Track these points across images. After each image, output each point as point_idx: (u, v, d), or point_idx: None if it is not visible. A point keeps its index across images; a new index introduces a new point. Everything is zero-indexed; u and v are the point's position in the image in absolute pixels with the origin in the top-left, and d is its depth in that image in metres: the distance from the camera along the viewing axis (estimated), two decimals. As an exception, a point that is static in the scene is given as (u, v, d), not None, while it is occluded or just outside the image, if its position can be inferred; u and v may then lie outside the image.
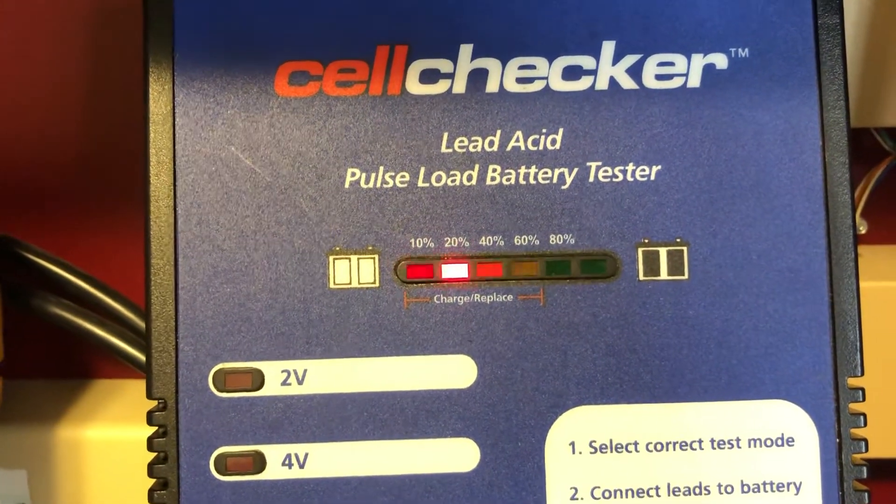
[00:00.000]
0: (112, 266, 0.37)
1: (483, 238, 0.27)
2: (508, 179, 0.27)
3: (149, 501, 0.26)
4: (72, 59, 0.37)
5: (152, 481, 0.26)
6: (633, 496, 0.26)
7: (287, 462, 0.26)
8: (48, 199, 0.38)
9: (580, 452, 0.26)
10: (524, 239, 0.27)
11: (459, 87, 0.27)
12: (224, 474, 0.26)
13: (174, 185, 0.27)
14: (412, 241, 0.27)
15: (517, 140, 0.27)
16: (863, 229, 0.36)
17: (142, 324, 0.35)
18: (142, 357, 0.34)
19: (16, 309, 0.35)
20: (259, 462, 0.26)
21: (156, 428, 0.26)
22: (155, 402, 0.26)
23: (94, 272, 0.36)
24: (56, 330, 0.36)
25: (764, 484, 0.27)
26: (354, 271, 0.27)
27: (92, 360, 0.39)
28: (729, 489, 0.26)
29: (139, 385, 0.38)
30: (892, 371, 0.35)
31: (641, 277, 0.27)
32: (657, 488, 0.26)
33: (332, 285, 0.27)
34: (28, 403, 0.37)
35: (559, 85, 0.27)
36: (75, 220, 0.38)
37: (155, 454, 0.26)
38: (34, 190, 0.38)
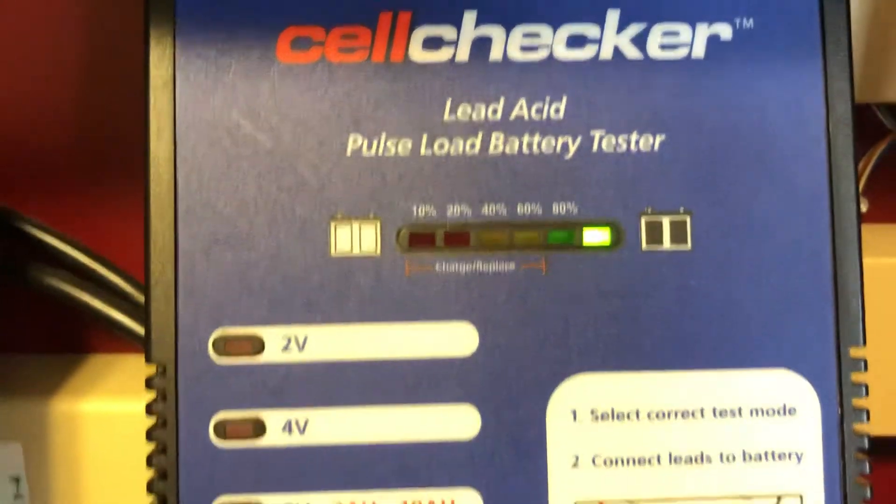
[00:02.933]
0: (110, 240, 0.37)
1: (485, 206, 0.27)
2: (511, 148, 0.27)
3: (147, 466, 0.26)
4: (70, 28, 0.37)
5: (147, 454, 0.26)
6: (634, 464, 0.26)
7: (287, 428, 0.26)
8: (46, 172, 0.37)
9: (581, 420, 0.26)
10: (527, 207, 0.27)
11: (463, 54, 0.27)
12: (223, 439, 0.26)
13: (174, 151, 0.26)
14: (414, 208, 0.27)
15: (521, 108, 0.27)
16: (864, 207, 0.36)
17: (139, 296, 0.35)
18: (139, 328, 0.34)
19: (12, 281, 0.35)
20: (259, 427, 0.26)
21: (155, 393, 0.26)
22: (154, 368, 0.26)
23: (92, 245, 0.36)
24: (52, 305, 0.36)
25: (766, 454, 0.27)
26: (356, 238, 0.26)
27: (88, 335, 0.39)
28: (730, 458, 0.26)
29: (135, 360, 0.38)
30: (893, 348, 0.35)
31: (644, 247, 0.27)
32: (658, 457, 0.26)
33: (333, 252, 0.26)
34: (23, 377, 0.37)
35: (563, 53, 0.27)
36: (73, 193, 0.37)
37: (154, 419, 0.26)
38: (32, 162, 0.37)
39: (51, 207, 0.37)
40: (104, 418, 0.36)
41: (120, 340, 0.38)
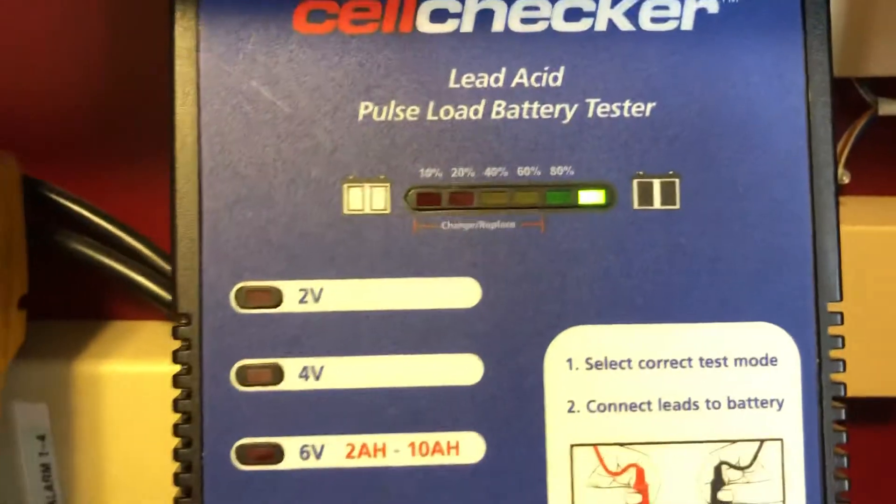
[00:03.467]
0: (132, 207, 0.39)
1: (488, 168, 0.28)
2: (512, 114, 0.29)
3: (174, 410, 0.28)
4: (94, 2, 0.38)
5: (173, 398, 0.28)
6: (626, 410, 0.28)
7: (304, 374, 0.28)
8: (71, 143, 0.39)
9: (577, 368, 0.28)
10: (527, 170, 0.28)
11: (467, 26, 0.29)
12: (244, 385, 0.28)
13: (198, 116, 0.28)
14: (421, 170, 0.28)
15: (521, 77, 0.29)
16: (846, 179, 0.38)
17: (159, 261, 0.37)
18: (159, 291, 0.36)
19: (39, 246, 0.37)
20: (277, 374, 0.28)
21: (181, 341, 0.28)
22: (180, 318, 0.28)
23: (115, 213, 0.38)
24: (77, 271, 0.38)
25: (749, 400, 0.28)
26: (367, 198, 0.28)
27: (110, 301, 0.41)
28: (716, 405, 0.28)
29: (154, 325, 0.40)
30: (872, 311, 0.37)
31: (636, 207, 0.29)
32: (649, 403, 0.28)
33: (346, 211, 0.28)
34: (49, 341, 0.39)
35: (561, 26, 0.29)
36: (97, 163, 0.39)
37: (180, 366, 0.28)
38: (58, 133, 0.39)
39: (75, 177, 0.39)
40: (125, 379, 0.37)
41: (140, 307, 0.40)
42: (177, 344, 0.28)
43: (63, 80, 0.39)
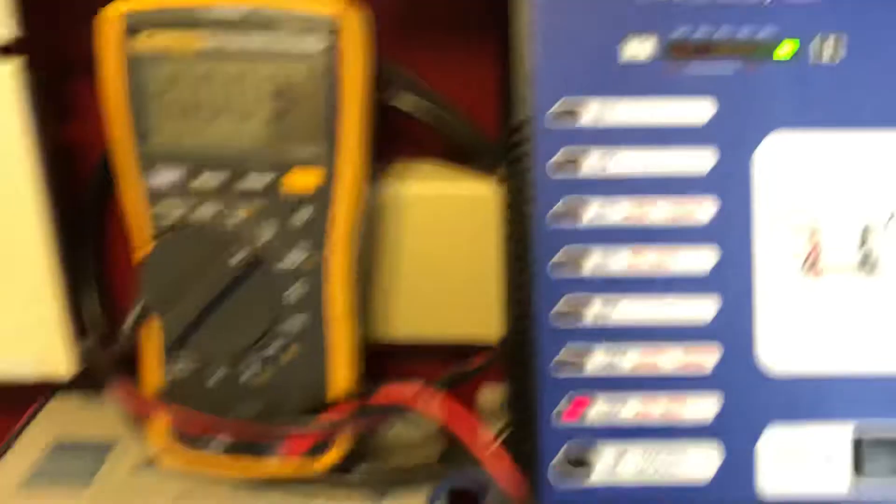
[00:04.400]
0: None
1: (720, 28, 0.43)
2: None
3: (506, 197, 0.43)
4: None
5: (502, 183, 0.43)
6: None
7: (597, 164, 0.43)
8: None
9: (778, 156, 0.43)
10: (742, 32, 0.43)
11: None
12: (555, 175, 0.43)
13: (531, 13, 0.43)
14: (675, 31, 0.43)
15: None
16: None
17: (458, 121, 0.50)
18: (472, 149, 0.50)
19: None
20: (578, 165, 0.43)
21: (517, 140, 0.43)
22: (516, 125, 0.43)
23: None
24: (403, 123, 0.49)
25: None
26: (641, 48, 0.43)
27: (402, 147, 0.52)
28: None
29: (434, 165, 0.51)
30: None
31: (815, 59, 0.43)
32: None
33: (624, 59, 0.43)
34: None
35: None
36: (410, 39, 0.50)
37: (510, 159, 0.43)
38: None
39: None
40: (421, 199, 0.49)
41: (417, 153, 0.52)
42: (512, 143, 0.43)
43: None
